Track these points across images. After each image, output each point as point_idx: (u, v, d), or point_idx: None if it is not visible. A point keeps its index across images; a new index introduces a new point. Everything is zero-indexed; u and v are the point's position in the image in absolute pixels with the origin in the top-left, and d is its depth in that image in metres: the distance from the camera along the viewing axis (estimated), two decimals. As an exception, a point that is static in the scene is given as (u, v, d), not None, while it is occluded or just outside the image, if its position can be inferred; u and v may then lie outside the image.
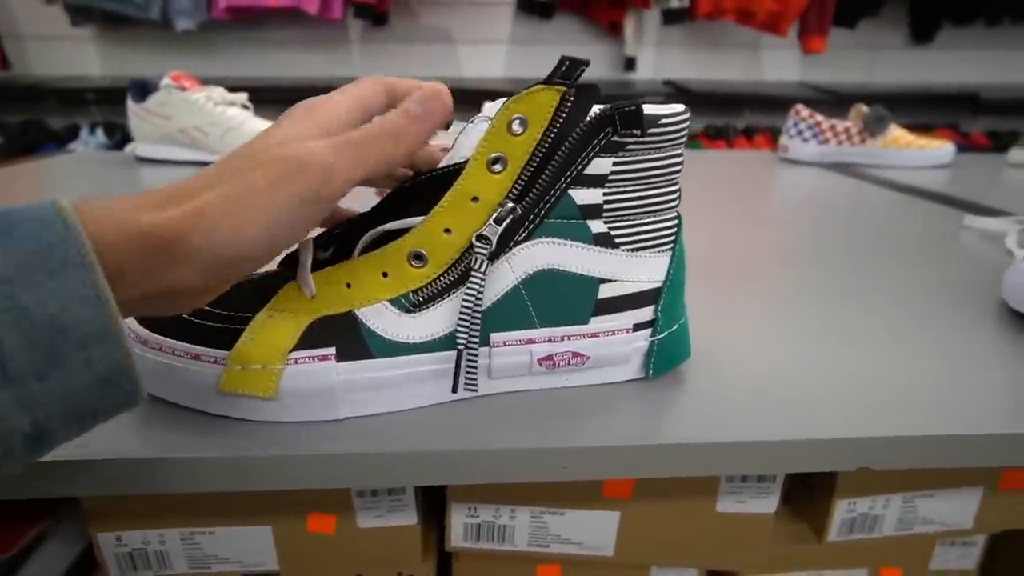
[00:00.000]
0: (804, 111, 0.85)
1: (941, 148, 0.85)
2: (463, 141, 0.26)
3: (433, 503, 0.35)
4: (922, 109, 1.88)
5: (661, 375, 0.31)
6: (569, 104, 0.25)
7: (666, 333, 0.30)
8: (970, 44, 2.04)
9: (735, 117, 1.96)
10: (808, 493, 0.37)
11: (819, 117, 0.85)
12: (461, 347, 0.26)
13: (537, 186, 0.26)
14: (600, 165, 0.26)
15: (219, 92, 0.81)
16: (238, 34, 1.93)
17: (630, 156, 0.27)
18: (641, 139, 0.26)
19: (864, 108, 0.86)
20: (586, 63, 0.25)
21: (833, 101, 1.75)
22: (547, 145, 0.26)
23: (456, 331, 0.26)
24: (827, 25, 1.84)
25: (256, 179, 0.20)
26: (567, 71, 0.25)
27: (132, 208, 0.19)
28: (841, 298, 0.42)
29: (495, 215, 0.26)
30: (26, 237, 0.17)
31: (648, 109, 0.27)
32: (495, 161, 0.26)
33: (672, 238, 0.29)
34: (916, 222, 0.62)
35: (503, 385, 0.29)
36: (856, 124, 0.85)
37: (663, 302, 0.29)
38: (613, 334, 0.29)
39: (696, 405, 0.29)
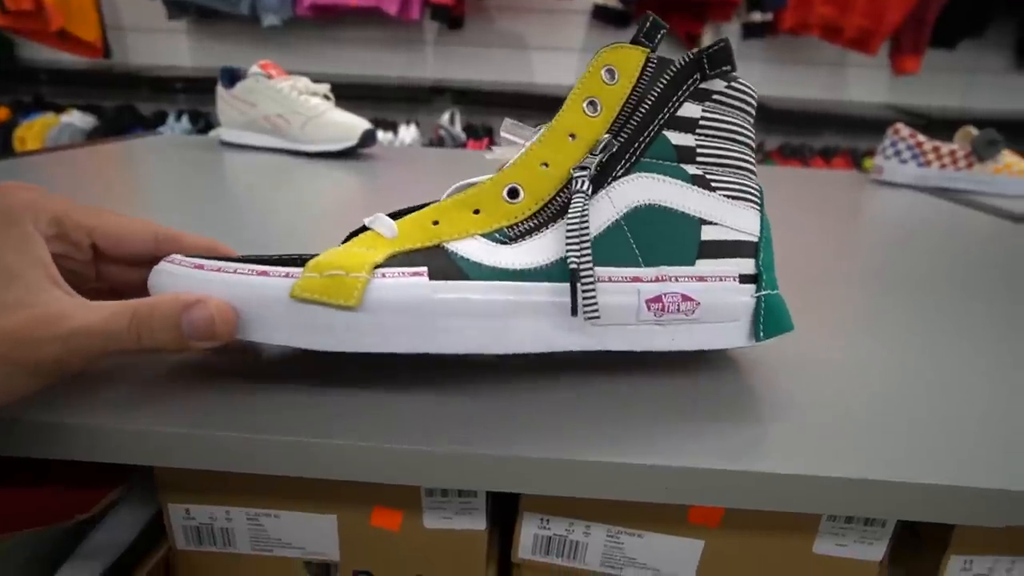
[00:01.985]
0: (904, 130, 0.80)
1: (1059, 178, 0.78)
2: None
3: (501, 508, 0.34)
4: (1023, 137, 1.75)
5: (770, 338, 0.29)
6: (652, 67, 0.27)
7: (770, 291, 0.29)
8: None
9: (813, 137, 1.88)
10: (915, 544, 0.33)
11: (921, 137, 0.79)
12: (574, 266, 0.24)
13: (631, 124, 0.26)
14: (691, 109, 0.27)
15: (304, 82, 0.83)
16: (320, 31, 1.99)
17: (715, 108, 0.27)
18: (724, 92, 0.27)
19: (973, 130, 0.79)
20: (665, 27, 0.27)
21: (923, 125, 1.65)
22: (637, 96, 0.27)
23: (567, 251, 0.24)
24: (923, 45, 1.74)
25: None
26: (649, 31, 0.26)
27: None
28: (959, 332, 0.38)
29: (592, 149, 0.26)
30: None
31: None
32: (591, 104, 0.26)
33: (759, 199, 0.29)
34: (1034, 255, 0.57)
35: (608, 339, 0.27)
36: (963, 147, 0.78)
37: (763, 257, 0.28)
38: (721, 280, 0.27)
39: (802, 433, 0.26)
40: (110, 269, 0.28)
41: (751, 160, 0.29)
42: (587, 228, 0.24)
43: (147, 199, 0.59)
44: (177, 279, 0.24)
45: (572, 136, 0.26)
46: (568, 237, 0.24)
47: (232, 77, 0.84)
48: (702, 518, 0.29)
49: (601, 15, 1.87)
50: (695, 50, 0.27)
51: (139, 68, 1.96)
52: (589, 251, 0.24)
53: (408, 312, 0.23)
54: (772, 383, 0.30)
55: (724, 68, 0.27)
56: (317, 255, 0.25)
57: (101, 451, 0.25)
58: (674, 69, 0.26)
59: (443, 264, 0.24)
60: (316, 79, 0.87)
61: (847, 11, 1.68)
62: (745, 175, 0.29)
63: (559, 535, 0.31)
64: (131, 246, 0.27)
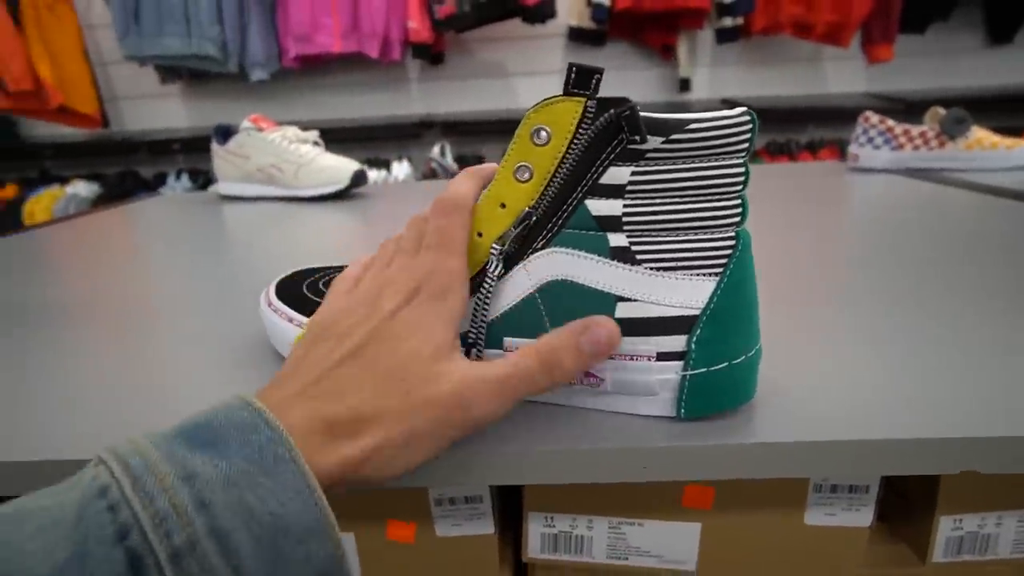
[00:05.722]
0: (873, 117, 0.82)
1: (1031, 147, 0.80)
2: None
3: (509, 513, 0.35)
4: (1004, 113, 1.77)
5: (699, 418, 0.27)
6: (591, 115, 0.25)
7: (704, 370, 0.26)
8: (1056, 41, 1.92)
9: (798, 132, 1.91)
10: (905, 509, 0.34)
11: (890, 122, 0.81)
12: (470, 343, 0.27)
13: (553, 194, 0.26)
14: (617, 175, 0.25)
15: (292, 131, 0.86)
16: (307, 80, 2.06)
17: (651, 166, 0.24)
18: (662, 148, 0.24)
19: (941, 111, 0.81)
20: (599, 70, 0.24)
21: (902, 110, 1.68)
22: (572, 155, 0.25)
23: (468, 331, 0.27)
24: (893, 32, 1.78)
25: (420, 424, 0.22)
26: (579, 80, 0.25)
27: (306, 415, 0.21)
28: (931, 302, 0.40)
29: (515, 220, 0.26)
30: (241, 443, 0.19)
31: (689, 115, 0.24)
32: (521, 170, 0.26)
33: (722, 261, 0.25)
34: (1008, 224, 0.58)
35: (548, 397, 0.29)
36: (932, 128, 0.81)
37: (700, 334, 0.26)
38: (631, 359, 0.27)
39: (781, 407, 0.28)
40: None
41: (719, 211, 0.25)
42: (487, 312, 0.27)
43: (151, 257, 0.62)
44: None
45: (502, 205, 0.27)
46: (472, 318, 0.27)
47: (225, 133, 0.88)
48: (694, 501, 0.31)
49: (576, 36, 1.93)
50: (613, 111, 0.24)
51: (137, 134, 2.03)
52: (484, 332, 0.27)
53: None
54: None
55: (633, 137, 0.24)
56: None
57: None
58: (593, 132, 0.24)
59: None
60: (307, 126, 0.91)
61: (814, 8, 1.73)
62: (701, 233, 0.25)
63: (564, 531, 0.32)
64: None
